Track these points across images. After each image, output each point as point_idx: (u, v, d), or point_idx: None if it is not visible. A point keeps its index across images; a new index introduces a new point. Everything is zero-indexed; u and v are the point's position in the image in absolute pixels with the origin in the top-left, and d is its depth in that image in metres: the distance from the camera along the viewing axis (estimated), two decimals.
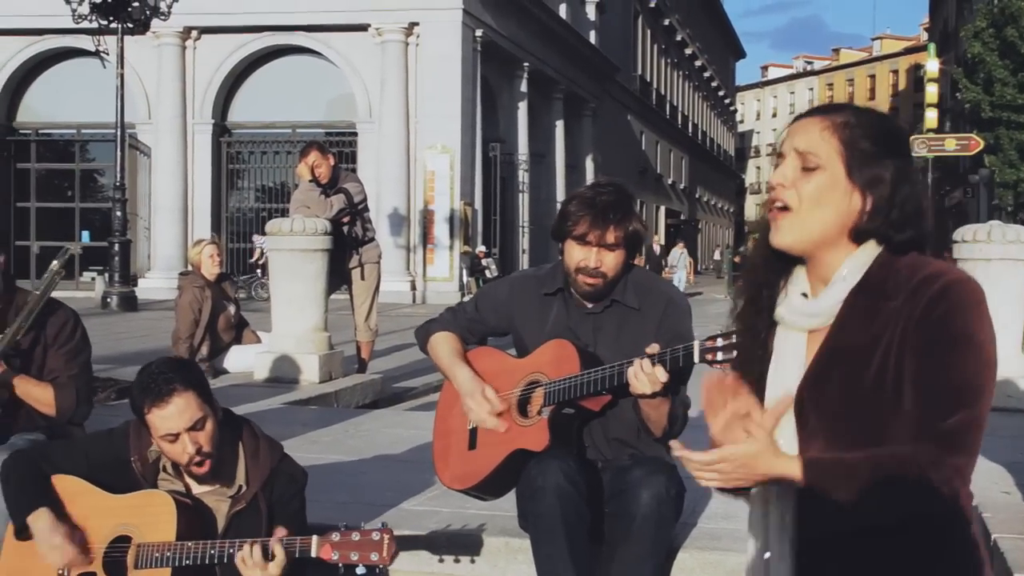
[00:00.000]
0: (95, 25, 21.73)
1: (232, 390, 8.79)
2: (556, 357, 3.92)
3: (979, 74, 38.83)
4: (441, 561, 4.28)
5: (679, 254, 39.35)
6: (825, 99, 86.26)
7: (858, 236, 2.28)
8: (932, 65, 37.98)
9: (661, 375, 3.53)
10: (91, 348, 4.77)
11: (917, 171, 2.40)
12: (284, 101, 29.81)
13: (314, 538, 3.44)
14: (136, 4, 21.38)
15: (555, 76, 37.11)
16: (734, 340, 2.77)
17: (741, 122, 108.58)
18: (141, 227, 29.77)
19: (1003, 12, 37.49)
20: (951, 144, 35.30)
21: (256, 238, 27.73)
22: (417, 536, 4.38)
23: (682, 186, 67.83)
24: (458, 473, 4.12)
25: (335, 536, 3.41)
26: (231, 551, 3.48)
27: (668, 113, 62.82)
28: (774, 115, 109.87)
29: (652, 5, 56.31)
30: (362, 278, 10.46)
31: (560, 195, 35.14)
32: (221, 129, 30.50)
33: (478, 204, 30.33)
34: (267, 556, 3.44)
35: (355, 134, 29.50)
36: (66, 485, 3.78)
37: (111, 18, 21.51)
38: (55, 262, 4.58)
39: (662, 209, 61.50)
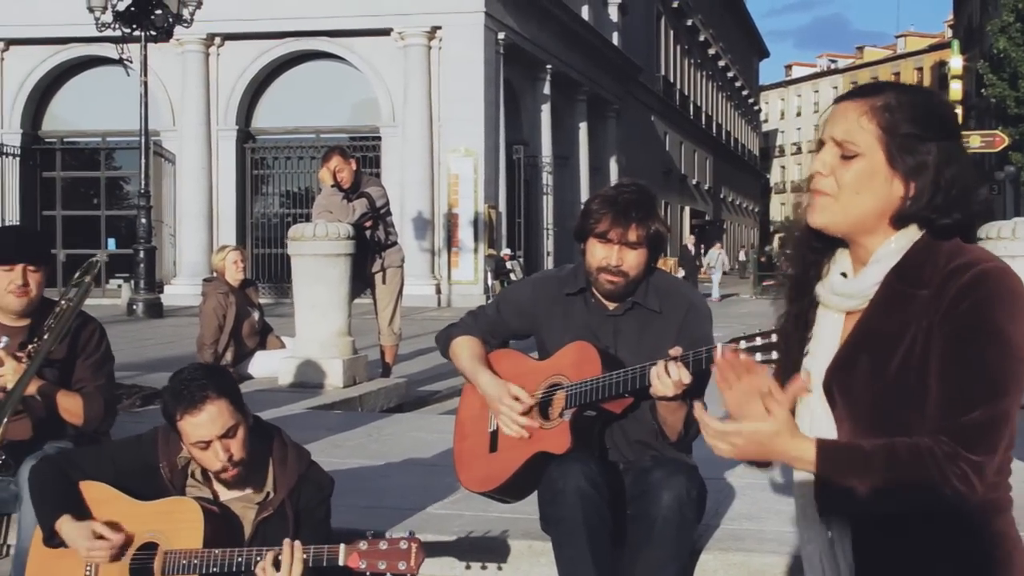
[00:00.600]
0: (118, 33, 21.82)
1: (257, 395, 8.81)
2: (578, 359, 3.91)
3: (1005, 70, 38.57)
4: (468, 568, 4.28)
5: (716, 255, 38.01)
6: None
7: (899, 221, 2.24)
8: (956, 62, 37.85)
9: (685, 377, 3.52)
10: (115, 359, 4.81)
11: (964, 150, 2.30)
12: (308, 106, 29.87)
13: (342, 546, 3.43)
14: (159, 12, 21.47)
15: (578, 78, 37.06)
16: (758, 343, 2.75)
17: (765, 121, 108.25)
18: (166, 234, 29.87)
19: None
20: (976, 141, 35.12)
21: None
22: (443, 542, 4.38)
23: (707, 186, 67.67)
24: (479, 476, 4.12)
25: (363, 544, 3.40)
26: (258, 559, 3.49)
27: (692, 113, 62.69)
28: (798, 114, 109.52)
29: (675, 5, 56.22)
30: (384, 282, 10.47)
31: (584, 197, 35.01)
32: (245, 135, 30.58)
33: (502, 207, 30.31)
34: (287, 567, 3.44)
35: (379, 138, 29.53)
36: (93, 492, 3.79)
37: (134, 26, 21.60)
38: (86, 274, 4.61)
39: (687, 210, 61.38)
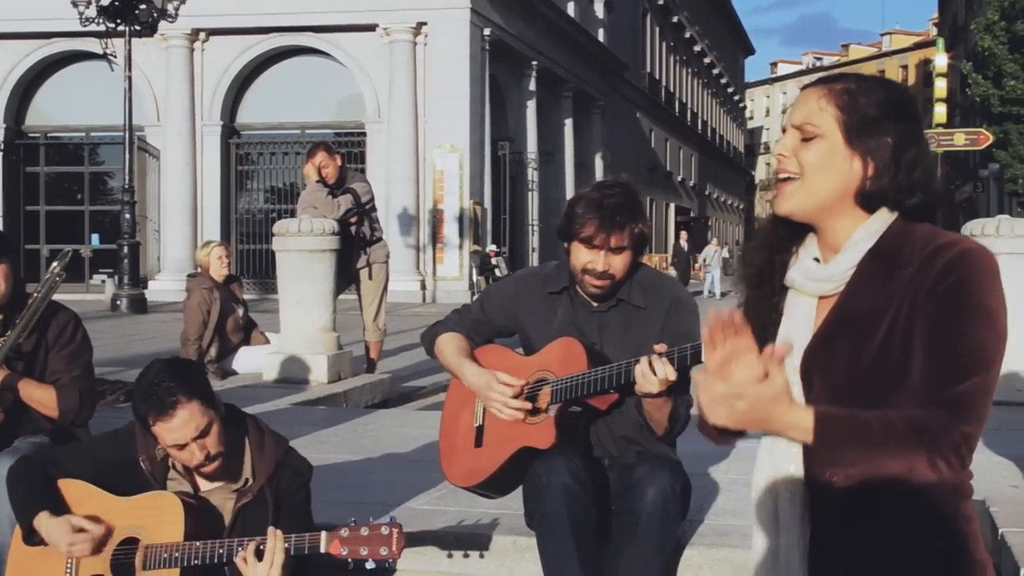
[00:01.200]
0: (102, 28, 21.72)
1: (241, 391, 8.80)
2: (563, 355, 3.91)
3: (989, 68, 38.70)
4: (450, 556, 4.27)
5: (713, 252, 37.42)
6: None
7: (865, 201, 2.27)
8: (940, 60, 37.95)
9: (670, 373, 3.52)
10: (92, 350, 4.76)
11: (924, 135, 2.35)
12: (293, 102, 29.81)
13: (323, 534, 3.43)
14: (143, 7, 21.38)
15: (564, 74, 37.07)
16: None
17: (750, 119, 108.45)
18: (151, 229, 29.79)
19: (1013, 6, 37.31)
20: (960, 139, 35.22)
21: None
22: (425, 532, 4.37)
23: (692, 183, 67.73)
24: (464, 470, 4.12)
25: (344, 531, 3.40)
26: (239, 549, 3.48)
27: (677, 110, 62.74)
28: (783, 111, 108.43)
29: (660, 2, 56.26)
30: (370, 278, 10.47)
31: (569, 193, 35.01)
32: (230, 131, 30.51)
33: (487, 203, 30.30)
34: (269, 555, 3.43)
35: (364, 134, 29.49)
36: (72, 490, 3.78)
37: (118, 21, 21.51)
38: (55, 264, 4.57)
39: (671, 207, 61.40)
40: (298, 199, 10.95)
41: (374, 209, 10.60)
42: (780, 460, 2.29)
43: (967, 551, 2.24)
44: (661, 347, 3.56)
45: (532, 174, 34.47)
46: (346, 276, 10.34)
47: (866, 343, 2.22)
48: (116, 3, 21.31)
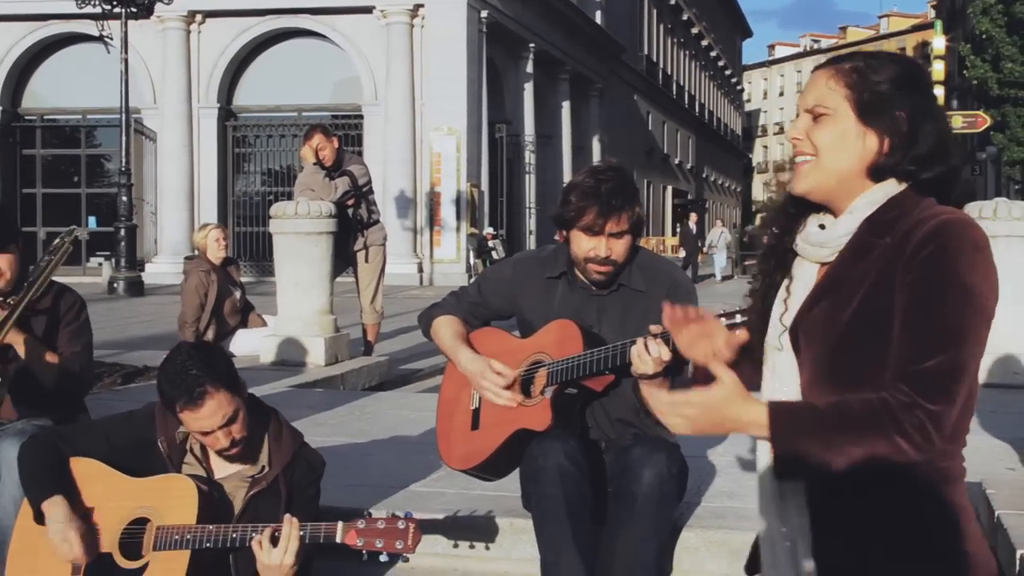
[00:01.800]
0: (98, 10, 21.70)
1: (239, 374, 8.77)
2: (560, 337, 3.91)
3: (987, 51, 38.65)
4: (448, 539, 4.27)
5: (719, 234, 36.85)
6: None
7: (876, 174, 2.27)
8: (938, 42, 37.79)
9: (665, 354, 3.52)
10: (92, 334, 4.77)
11: (940, 109, 2.35)
12: (289, 84, 29.76)
13: (339, 524, 3.44)
14: None
15: (561, 57, 37.01)
16: (738, 320, 2.75)
17: (748, 101, 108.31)
18: (147, 212, 29.78)
19: None
20: (958, 121, 35.12)
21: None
22: (430, 521, 4.37)
23: (689, 166, 67.69)
24: (461, 453, 4.12)
25: (360, 523, 3.42)
26: (253, 534, 3.49)
27: (675, 93, 62.67)
28: (781, 94, 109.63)
29: None
30: (367, 260, 10.46)
31: (567, 176, 35.04)
32: (227, 113, 30.47)
33: (484, 186, 30.29)
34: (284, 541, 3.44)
35: (361, 117, 29.46)
36: (83, 468, 3.77)
37: (114, 2, 21.48)
38: (66, 239, 4.56)
39: (669, 189, 61.39)
40: (295, 181, 10.92)
41: (371, 191, 10.58)
42: None
43: (953, 534, 2.21)
44: (656, 328, 3.56)
45: (529, 157, 34.44)
46: (343, 259, 10.33)
47: (842, 310, 2.21)
48: None
